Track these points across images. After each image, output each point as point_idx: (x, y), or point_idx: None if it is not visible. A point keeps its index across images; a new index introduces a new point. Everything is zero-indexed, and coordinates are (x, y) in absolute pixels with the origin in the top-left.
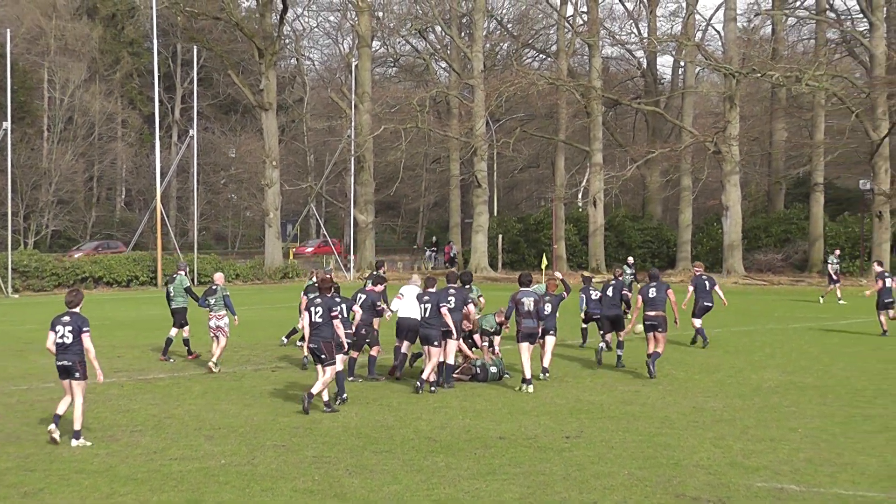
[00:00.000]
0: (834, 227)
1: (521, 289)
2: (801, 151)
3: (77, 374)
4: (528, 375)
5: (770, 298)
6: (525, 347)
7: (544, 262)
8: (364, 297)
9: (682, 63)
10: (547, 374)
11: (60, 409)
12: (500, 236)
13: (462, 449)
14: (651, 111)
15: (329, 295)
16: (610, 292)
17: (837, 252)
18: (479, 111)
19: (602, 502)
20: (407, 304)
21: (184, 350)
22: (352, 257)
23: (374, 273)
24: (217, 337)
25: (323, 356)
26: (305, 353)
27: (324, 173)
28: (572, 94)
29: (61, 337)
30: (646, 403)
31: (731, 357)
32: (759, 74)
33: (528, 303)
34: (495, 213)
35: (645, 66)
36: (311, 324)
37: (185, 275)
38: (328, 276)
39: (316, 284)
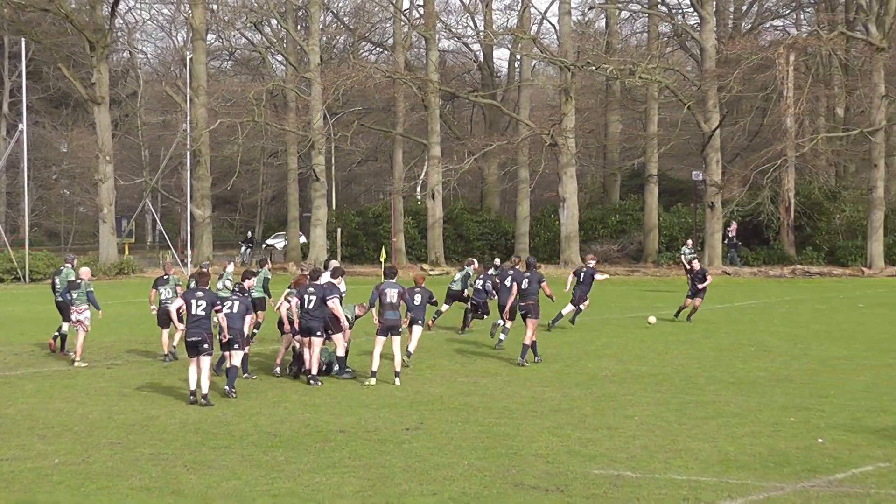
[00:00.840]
0: (668, 218)
1: (385, 280)
2: (635, 143)
3: None
4: (375, 368)
5: (606, 289)
6: (381, 341)
7: (383, 255)
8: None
9: (518, 56)
10: (409, 361)
11: None
12: (339, 230)
13: (302, 443)
14: (488, 104)
15: (207, 288)
16: (508, 281)
17: (689, 242)
18: (317, 105)
19: (442, 493)
20: None
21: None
22: (189, 252)
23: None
24: (77, 330)
25: (206, 346)
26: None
27: (159, 168)
28: (409, 88)
29: None
30: (485, 394)
31: (569, 347)
32: (593, 67)
33: (392, 294)
34: (334, 207)
35: (482, 59)
36: (192, 316)
37: (73, 268)
38: (205, 270)
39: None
